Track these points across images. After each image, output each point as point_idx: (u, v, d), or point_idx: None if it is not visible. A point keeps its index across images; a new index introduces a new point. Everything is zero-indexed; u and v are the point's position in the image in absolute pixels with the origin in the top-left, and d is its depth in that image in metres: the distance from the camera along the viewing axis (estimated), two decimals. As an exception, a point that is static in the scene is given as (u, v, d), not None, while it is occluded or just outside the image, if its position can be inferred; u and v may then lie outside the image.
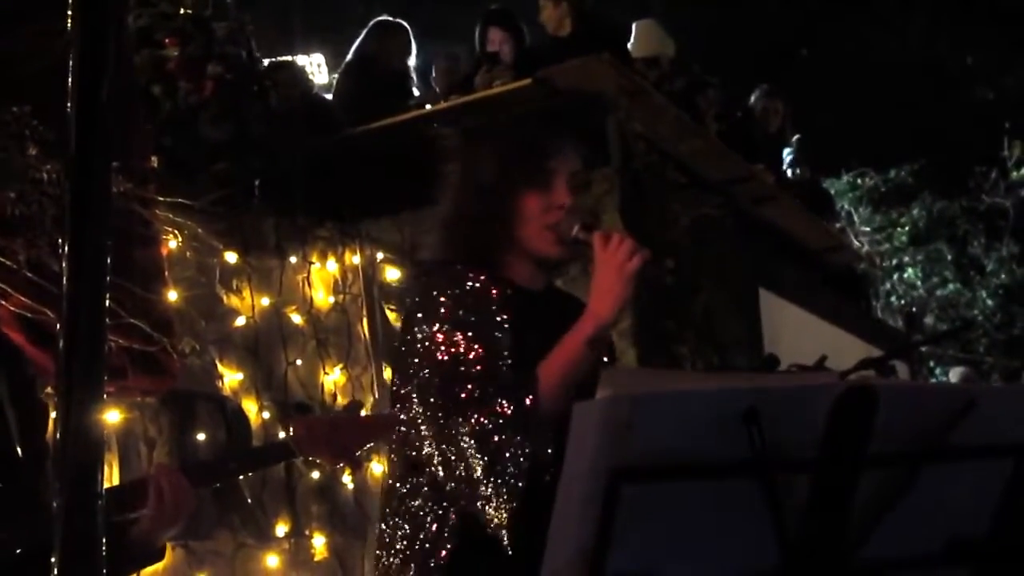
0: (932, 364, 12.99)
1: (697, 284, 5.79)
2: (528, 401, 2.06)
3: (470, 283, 2.22)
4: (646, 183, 5.61)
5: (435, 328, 2.16)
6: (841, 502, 1.50)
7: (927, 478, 1.53)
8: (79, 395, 1.18)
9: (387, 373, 4.61)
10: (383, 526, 2.25)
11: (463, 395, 2.08)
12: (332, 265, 5.08)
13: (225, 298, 4.58)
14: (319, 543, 4.58)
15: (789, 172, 8.45)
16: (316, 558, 4.56)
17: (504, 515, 1.99)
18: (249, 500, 4.37)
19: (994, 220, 14.61)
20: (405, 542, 2.16)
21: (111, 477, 3.92)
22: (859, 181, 14.16)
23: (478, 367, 2.10)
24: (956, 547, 1.61)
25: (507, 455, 2.01)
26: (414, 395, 2.17)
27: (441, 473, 2.11)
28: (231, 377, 4.49)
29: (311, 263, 4.98)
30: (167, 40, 5.77)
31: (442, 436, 2.08)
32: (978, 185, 14.55)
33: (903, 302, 13.91)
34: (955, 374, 10.94)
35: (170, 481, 2.28)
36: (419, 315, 2.21)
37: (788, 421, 1.43)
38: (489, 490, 2.01)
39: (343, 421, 2.65)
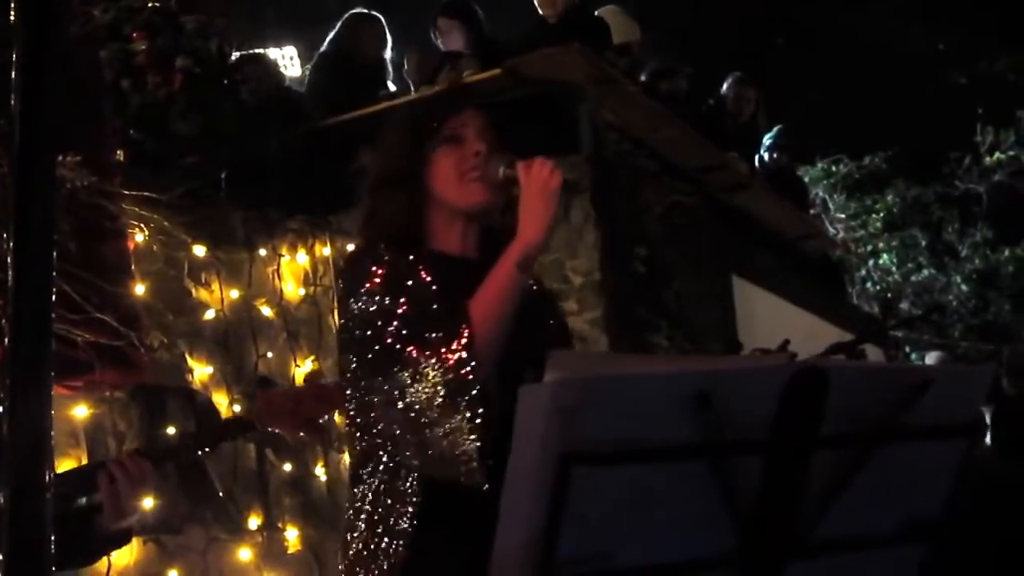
0: (908, 349, 13.07)
1: (670, 272, 5.81)
2: (463, 335, 2.04)
3: (394, 258, 2.21)
4: (618, 171, 5.62)
5: (364, 301, 2.16)
6: (794, 483, 1.50)
7: (880, 458, 1.54)
8: (24, 388, 1.18)
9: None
10: (348, 512, 2.24)
11: (398, 345, 2.07)
12: (302, 257, 5.07)
13: (194, 291, 4.57)
14: (292, 536, 4.58)
15: (767, 156, 8.45)
16: (289, 551, 4.55)
17: (476, 442, 1.98)
18: (221, 493, 4.36)
19: (968, 206, 14.72)
20: (369, 523, 2.16)
21: (80, 472, 3.90)
22: (833, 168, 14.23)
23: (409, 317, 2.10)
24: (910, 526, 1.61)
25: (454, 387, 2.00)
26: (358, 368, 2.18)
27: (397, 432, 2.11)
28: (201, 371, 4.47)
29: (281, 255, 4.97)
30: (135, 34, 5.74)
31: (391, 392, 2.08)
32: (952, 171, 14.65)
33: (878, 288, 13.99)
34: (931, 358, 10.99)
35: (122, 466, 2.28)
36: (350, 294, 2.21)
37: (739, 403, 1.43)
38: (451, 425, 1.99)
39: (304, 392, 2.65)
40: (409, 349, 2.06)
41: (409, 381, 2.04)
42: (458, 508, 2.06)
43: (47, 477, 1.18)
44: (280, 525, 4.57)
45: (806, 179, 11.89)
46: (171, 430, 4.19)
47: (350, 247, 5.10)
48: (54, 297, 1.24)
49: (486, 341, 2.04)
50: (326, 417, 2.71)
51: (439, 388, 2.01)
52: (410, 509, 2.10)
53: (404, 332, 2.08)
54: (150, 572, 4.05)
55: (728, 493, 1.46)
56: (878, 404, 1.52)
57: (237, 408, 4.52)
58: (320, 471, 4.78)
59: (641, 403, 1.39)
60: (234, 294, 4.70)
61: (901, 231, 14.32)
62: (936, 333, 13.51)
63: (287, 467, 4.66)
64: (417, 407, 2.03)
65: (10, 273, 1.19)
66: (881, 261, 14.10)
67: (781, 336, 3.90)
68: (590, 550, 1.41)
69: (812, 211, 11.42)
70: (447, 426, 2.00)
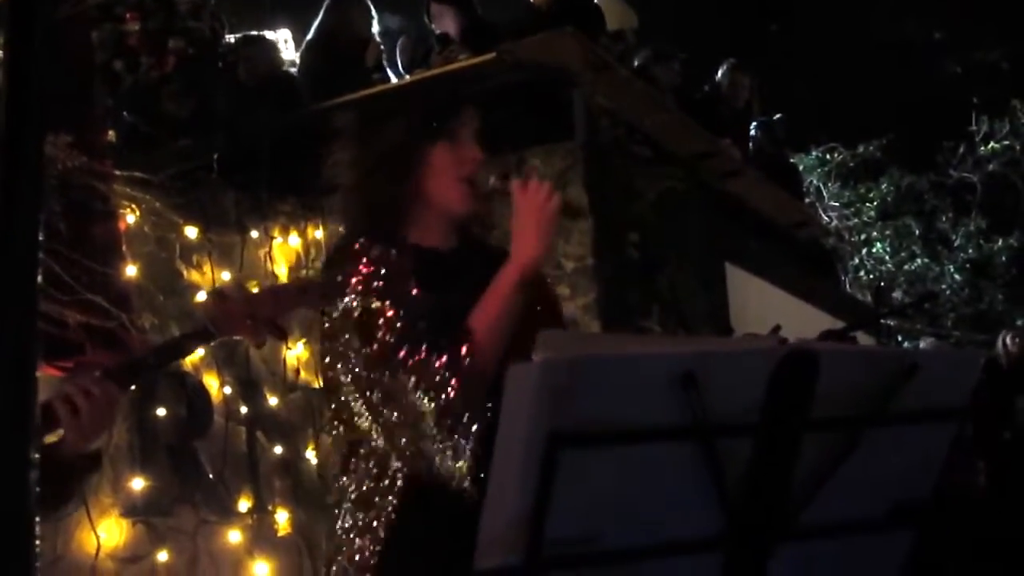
0: (900, 338, 13.07)
1: (663, 258, 5.79)
2: (465, 352, 2.04)
3: (377, 255, 2.18)
4: (611, 157, 5.60)
5: (354, 302, 2.14)
6: (783, 466, 1.49)
7: (869, 442, 1.53)
8: (8, 367, 1.17)
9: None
10: (339, 520, 2.24)
11: (399, 357, 2.05)
12: (294, 240, 5.05)
13: (185, 273, 4.55)
14: (282, 518, 4.57)
15: (761, 143, 8.43)
16: (279, 533, 4.54)
17: (464, 464, 1.99)
18: (211, 475, 4.36)
19: (962, 195, 14.70)
20: (353, 513, 2.16)
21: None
22: (828, 156, 14.21)
23: (404, 332, 2.08)
24: (899, 511, 1.61)
25: (455, 405, 2.00)
26: (342, 373, 2.17)
27: (382, 443, 2.11)
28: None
29: (273, 238, 4.95)
30: (128, 15, 5.72)
31: (382, 403, 2.07)
32: (946, 160, 14.64)
33: (871, 277, 13.98)
34: (925, 343, 10.98)
35: (86, 392, 2.23)
36: (337, 292, 2.19)
37: (729, 385, 1.42)
38: (445, 443, 2.00)
39: (260, 296, 2.64)
40: (412, 357, 2.05)
41: (412, 387, 2.03)
42: (441, 506, 2.05)
43: (32, 454, 1.18)
44: (270, 508, 4.57)
45: (800, 167, 11.88)
46: (161, 412, 4.18)
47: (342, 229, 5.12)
48: (45, 278, 1.23)
49: (487, 359, 2.05)
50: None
51: (439, 404, 2.01)
52: (394, 501, 2.10)
53: (401, 340, 2.07)
54: (140, 554, 4.05)
55: (717, 475, 1.45)
56: (868, 388, 1.51)
57: (228, 391, 4.50)
58: (310, 454, 4.77)
59: (630, 384, 1.38)
60: (226, 276, 4.68)
61: (895, 220, 14.31)
62: (929, 322, 13.52)
63: (277, 450, 4.65)
64: (415, 417, 2.03)
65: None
66: (874, 250, 14.09)
67: (773, 323, 3.89)
68: (578, 531, 1.40)
69: (806, 199, 11.40)
70: (442, 443, 2.00)
